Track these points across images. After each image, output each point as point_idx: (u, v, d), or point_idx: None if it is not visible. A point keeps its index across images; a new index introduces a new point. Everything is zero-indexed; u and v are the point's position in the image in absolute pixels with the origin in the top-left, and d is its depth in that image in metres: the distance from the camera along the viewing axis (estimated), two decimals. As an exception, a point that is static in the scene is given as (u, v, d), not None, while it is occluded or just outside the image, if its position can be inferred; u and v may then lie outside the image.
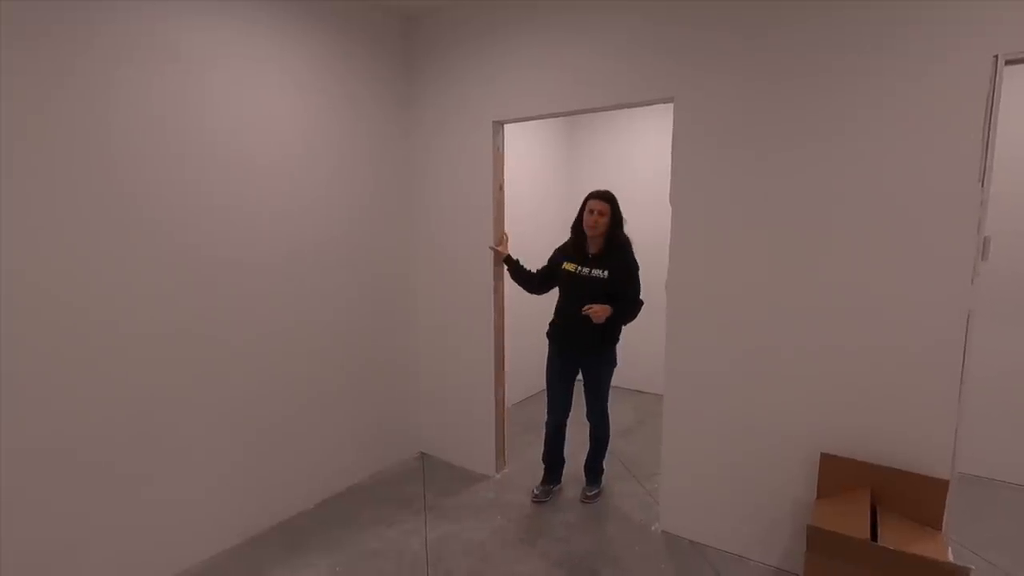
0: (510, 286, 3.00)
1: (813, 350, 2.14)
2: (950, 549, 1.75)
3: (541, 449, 2.98)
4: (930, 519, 1.88)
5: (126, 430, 2.10)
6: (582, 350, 2.76)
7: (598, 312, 2.55)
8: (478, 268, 2.98)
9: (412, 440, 3.42)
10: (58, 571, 1.96)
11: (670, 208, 2.42)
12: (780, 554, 2.28)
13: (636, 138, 4.44)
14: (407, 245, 3.27)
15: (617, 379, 4.69)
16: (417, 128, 3.18)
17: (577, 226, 2.72)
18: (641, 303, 2.71)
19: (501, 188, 2.97)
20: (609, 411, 2.87)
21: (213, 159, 2.29)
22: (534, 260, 2.98)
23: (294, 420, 2.71)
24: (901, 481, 1.95)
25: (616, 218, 2.65)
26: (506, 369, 3.12)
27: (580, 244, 2.71)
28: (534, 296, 2.98)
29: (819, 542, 1.80)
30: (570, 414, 2.90)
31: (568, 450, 2.98)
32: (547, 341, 2.87)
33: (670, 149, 2.39)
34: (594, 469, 2.94)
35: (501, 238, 2.97)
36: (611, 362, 2.80)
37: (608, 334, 2.72)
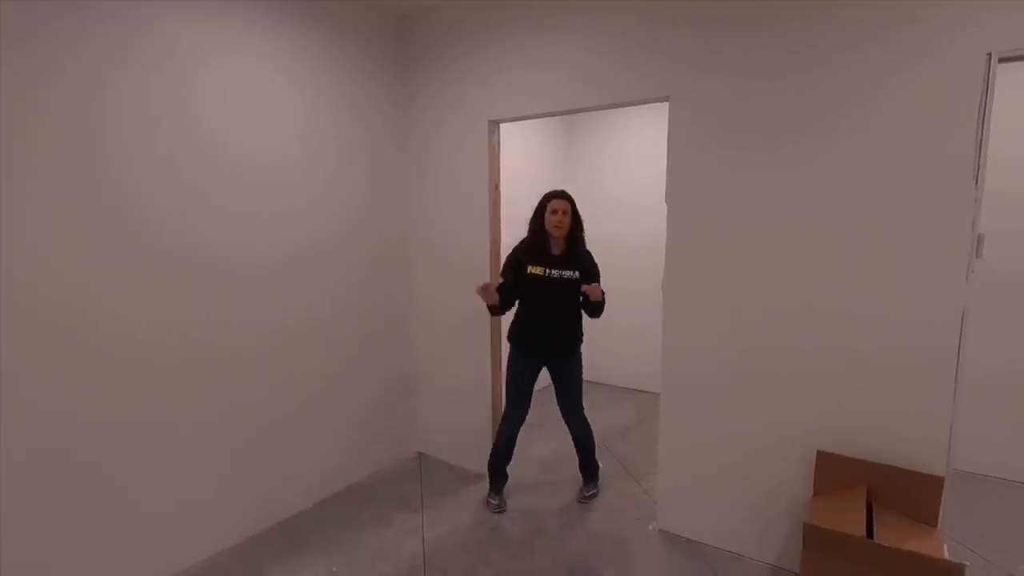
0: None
1: (809, 349, 2.14)
2: (946, 546, 1.76)
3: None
4: (926, 516, 1.88)
5: (125, 430, 2.10)
6: (554, 352, 2.74)
7: (597, 291, 2.57)
8: (475, 268, 2.98)
9: (410, 440, 3.42)
10: (57, 571, 1.96)
11: (666, 208, 2.42)
12: (777, 552, 2.29)
13: (633, 137, 4.44)
14: (404, 245, 3.27)
15: (616, 378, 4.77)
16: (413, 128, 3.17)
17: (538, 228, 2.66)
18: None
19: (497, 188, 2.97)
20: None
21: (210, 159, 2.29)
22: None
23: (293, 420, 2.71)
24: (897, 478, 1.95)
25: (577, 217, 2.67)
26: (503, 369, 3.12)
27: (542, 246, 2.65)
28: None
29: (815, 540, 1.80)
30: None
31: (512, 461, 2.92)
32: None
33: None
34: (590, 467, 2.94)
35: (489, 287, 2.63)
36: (581, 361, 2.83)
37: (579, 334, 2.76)
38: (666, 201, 2.42)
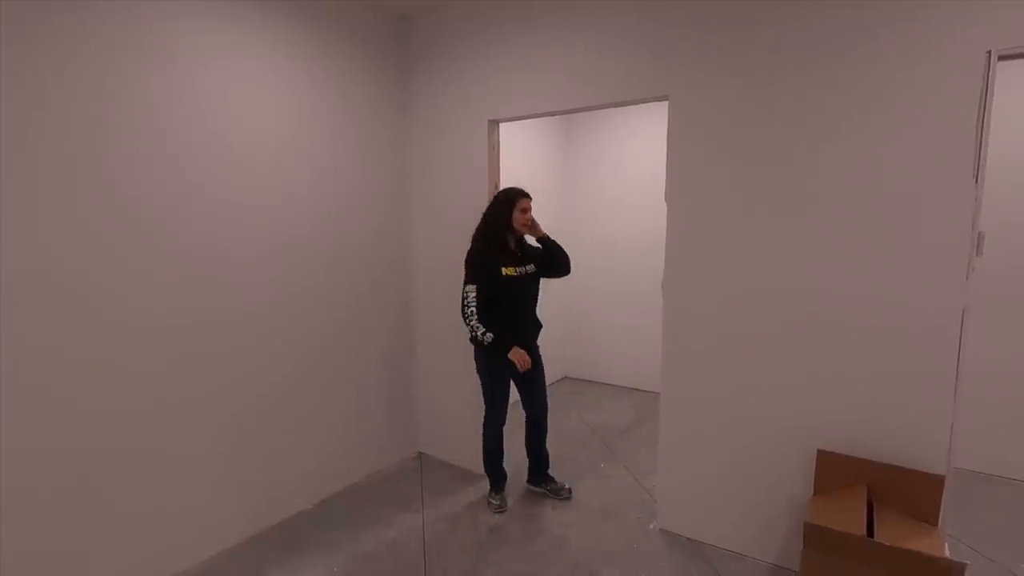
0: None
1: (809, 348, 2.14)
2: (946, 544, 1.75)
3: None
4: (926, 515, 1.88)
5: (125, 430, 2.10)
6: (529, 344, 2.73)
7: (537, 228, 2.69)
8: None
9: (410, 440, 3.42)
10: (57, 571, 1.96)
11: (665, 207, 2.42)
12: (777, 551, 2.29)
13: (632, 137, 4.44)
14: (406, 245, 3.27)
15: (615, 377, 4.78)
16: (413, 127, 3.18)
17: (500, 227, 2.60)
18: None
19: (497, 187, 2.97)
20: None
21: (209, 159, 2.29)
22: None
23: (292, 420, 2.71)
24: (897, 477, 1.95)
25: None
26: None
27: (504, 244, 2.63)
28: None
29: (816, 539, 1.80)
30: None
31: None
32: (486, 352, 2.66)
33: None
34: (546, 455, 2.93)
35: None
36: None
37: (539, 322, 2.80)
38: (665, 200, 2.41)
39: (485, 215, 2.64)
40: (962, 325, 1.86)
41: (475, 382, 3.06)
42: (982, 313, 2.60)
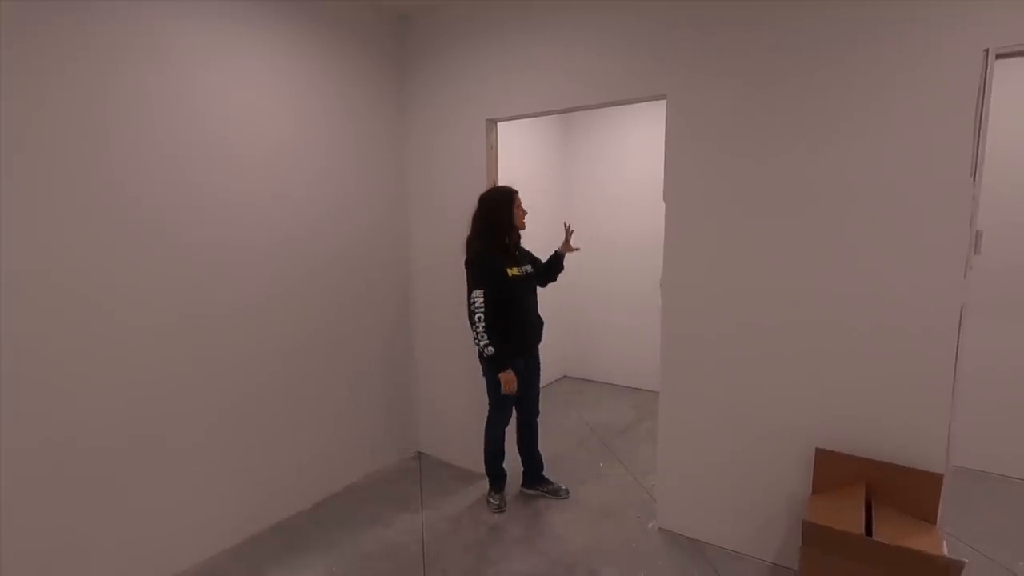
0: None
1: (808, 347, 2.14)
2: (945, 543, 1.75)
3: (540, 448, 2.96)
4: (925, 513, 1.88)
5: (124, 430, 2.10)
6: (535, 344, 2.76)
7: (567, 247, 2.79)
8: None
9: (409, 440, 3.42)
10: (57, 571, 1.96)
11: (664, 206, 2.42)
12: (776, 550, 2.29)
13: (631, 136, 4.44)
14: (404, 244, 3.27)
15: (615, 377, 4.78)
16: (412, 127, 3.18)
17: (503, 228, 2.57)
18: None
19: (495, 186, 2.97)
20: None
21: (209, 158, 2.29)
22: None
23: (291, 419, 2.71)
24: (896, 475, 1.95)
25: None
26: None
27: (505, 246, 2.59)
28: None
29: (815, 537, 1.80)
30: None
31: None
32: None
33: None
34: (540, 457, 2.93)
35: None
36: None
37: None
38: (664, 199, 2.42)
39: (483, 218, 2.59)
40: (960, 323, 1.86)
41: (474, 382, 3.06)
42: (980, 311, 2.60)
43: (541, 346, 2.83)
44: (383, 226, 3.13)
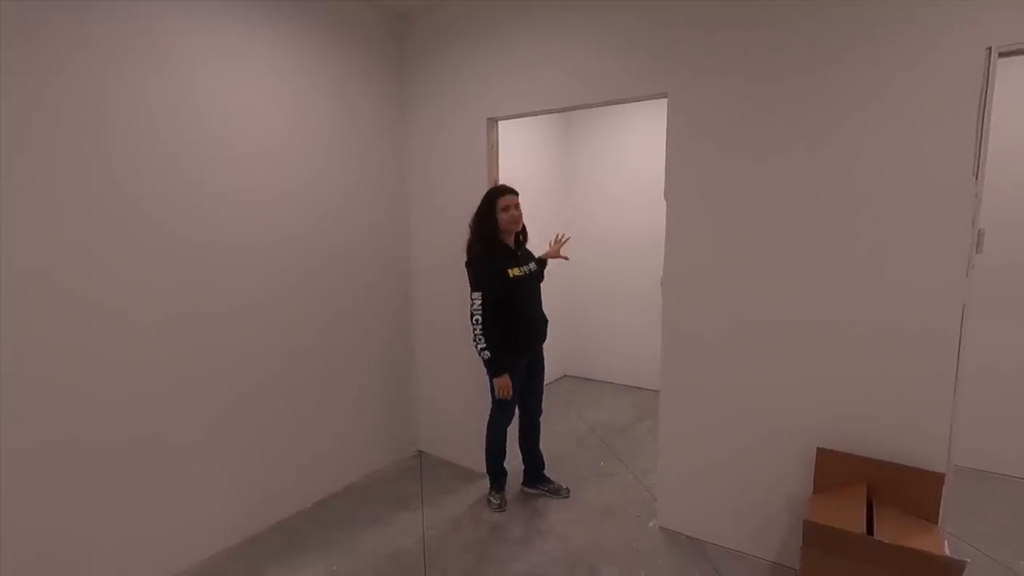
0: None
1: (809, 346, 2.14)
2: (946, 542, 1.75)
3: (541, 447, 2.95)
4: (926, 513, 1.88)
5: (123, 430, 2.10)
6: (539, 342, 2.76)
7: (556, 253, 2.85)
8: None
9: (410, 438, 3.42)
10: (57, 571, 1.96)
11: (665, 205, 2.42)
12: (777, 549, 2.29)
13: (632, 135, 4.43)
14: (404, 243, 3.27)
15: (615, 375, 4.78)
16: (412, 126, 3.17)
17: (491, 230, 2.55)
18: None
19: (495, 185, 2.96)
20: None
21: (209, 157, 2.29)
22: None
23: (291, 418, 2.71)
24: (897, 475, 1.95)
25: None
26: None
27: (502, 245, 2.59)
28: None
29: (815, 537, 1.80)
30: None
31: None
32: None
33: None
34: (541, 456, 2.93)
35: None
36: None
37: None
38: (665, 197, 2.41)
39: (474, 220, 2.61)
40: (962, 322, 1.86)
41: (475, 380, 3.07)
42: (982, 310, 2.60)
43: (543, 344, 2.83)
44: (384, 225, 3.13)
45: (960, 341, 1.87)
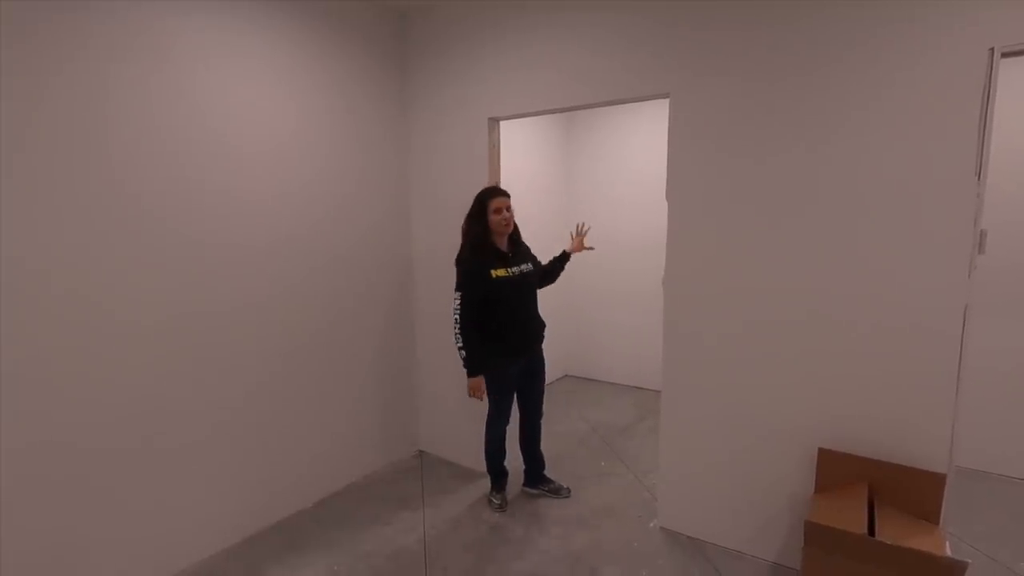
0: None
1: (811, 346, 2.13)
2: (948, 543, 1.75)
3: (542, 447, 2.95)
4: (928, 513, 1.88)
5: (123, 429, 2.10)
6: (535, 342, 2.75)
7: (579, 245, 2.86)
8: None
9: (410, 438, 3.42)
10: (56, 571, 1.96)
11: (666, 205, 2.41)
12: (778, 549, 2.28)
13: (634, 135, 4.42)
14: (405, 242, 3.26)
15: (616, 375, 4.78)
16: (413, 126, 3.17)
17: (481, 231, 2.55)
18: None
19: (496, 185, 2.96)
20: None
21: (209, 156, 2.29)
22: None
23: (292, 418, 2.71)
24: (898, 475, 1.94)
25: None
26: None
27: (492, 247, 2.57)
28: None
29: (817, 537, 1.80)
30: None
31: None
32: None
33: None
34: (542, 456, 2.93)
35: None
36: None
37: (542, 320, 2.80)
38: (666, 198, 2.41)
39: (465, 222, 2.61)
40: (964, 323, 1.85)
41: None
42: (984, 311, 2.60)
43: (543, 345, 2.82)
44: (384, 225, 3.12)
45: (962, 341, 1.86)
